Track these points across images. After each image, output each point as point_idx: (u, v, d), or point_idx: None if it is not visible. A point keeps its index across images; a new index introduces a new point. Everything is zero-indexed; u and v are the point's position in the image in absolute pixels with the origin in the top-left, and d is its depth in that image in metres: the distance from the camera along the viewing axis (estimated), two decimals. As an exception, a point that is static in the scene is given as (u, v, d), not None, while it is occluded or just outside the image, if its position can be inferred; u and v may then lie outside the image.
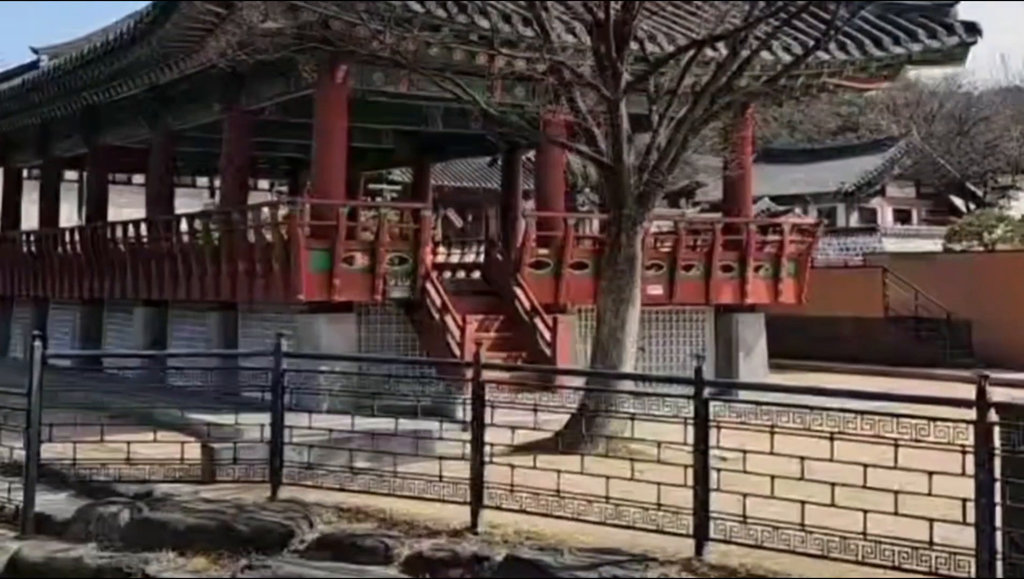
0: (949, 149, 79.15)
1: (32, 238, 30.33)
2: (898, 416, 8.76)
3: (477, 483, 11.03)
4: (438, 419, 12.28)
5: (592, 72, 13.97)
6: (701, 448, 9.75)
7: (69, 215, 31.89)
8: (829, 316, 27.20)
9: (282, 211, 18.87)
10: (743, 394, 11.09)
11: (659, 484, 9.98)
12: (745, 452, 9.59)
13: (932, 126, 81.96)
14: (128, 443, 12.46)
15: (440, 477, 11.34)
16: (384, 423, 12.30)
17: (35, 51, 31.46)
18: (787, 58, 16.84)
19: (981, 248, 47.39)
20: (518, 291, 19.35)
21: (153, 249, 23.02)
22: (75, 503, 12.40)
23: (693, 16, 16.25)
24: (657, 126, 14.36)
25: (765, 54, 15.60)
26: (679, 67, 14.56)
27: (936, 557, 8.53)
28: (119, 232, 25.14)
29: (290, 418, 12.34)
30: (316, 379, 13.18)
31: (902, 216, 72.43)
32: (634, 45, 14.29)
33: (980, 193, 77.89)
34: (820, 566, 9.07)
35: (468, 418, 11.54)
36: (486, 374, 15.60)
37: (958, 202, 74.04)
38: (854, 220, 64.20)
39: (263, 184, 51.47)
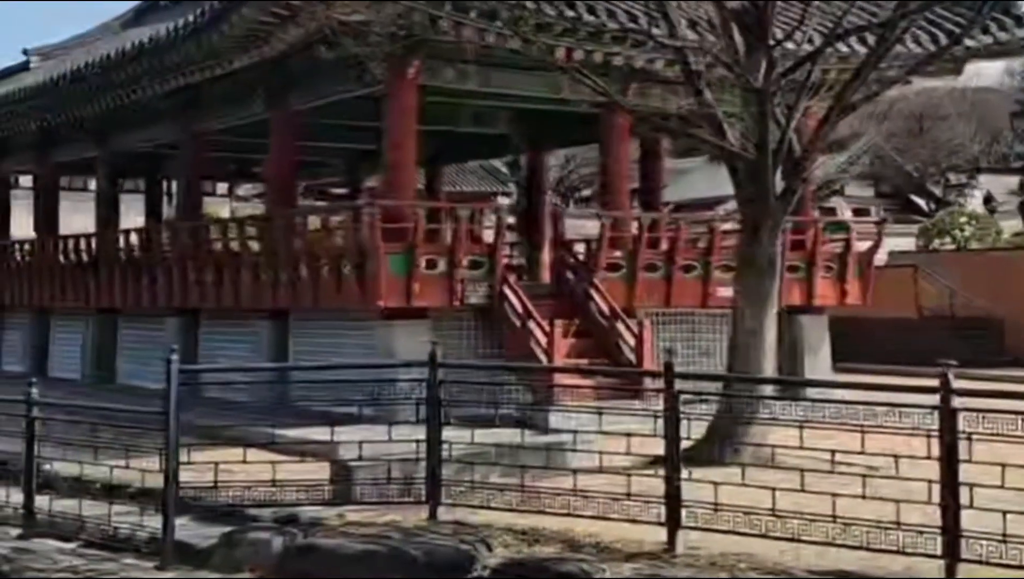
0: (908, 148, 79.42)
1: (27, 247, 29.25)
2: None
3: (674, 501, 10.29)
4: (529, 430, 12.30)
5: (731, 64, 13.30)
6: (950, 460, 9.09)
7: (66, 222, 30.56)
8: (862, 317, 26.58)
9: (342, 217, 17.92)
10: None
11: (897, 502, 9.31)
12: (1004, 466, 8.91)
13: (886, 124, 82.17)
14: (273, 464, 11.58)
15: (628, 494, 10.56)
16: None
17: (26, 52, 30.49)
18: (917, 49, 16.34)
19: (953, 246, 47.56)
20: (595, 294, 18.59)
21: (185, 255, 21.98)
22: (205, 529, 11.50)
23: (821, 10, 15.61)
24: (788, 121, 13.72)
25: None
26: (811, 60, 13.91)
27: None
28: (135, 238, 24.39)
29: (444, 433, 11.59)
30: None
31: (861, 215, 72.40)
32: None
33: (938, 192, 78.28)
34: None
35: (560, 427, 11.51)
36: (566, 379, 15.13)
37: (919, 201, 74.31)
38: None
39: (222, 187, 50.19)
